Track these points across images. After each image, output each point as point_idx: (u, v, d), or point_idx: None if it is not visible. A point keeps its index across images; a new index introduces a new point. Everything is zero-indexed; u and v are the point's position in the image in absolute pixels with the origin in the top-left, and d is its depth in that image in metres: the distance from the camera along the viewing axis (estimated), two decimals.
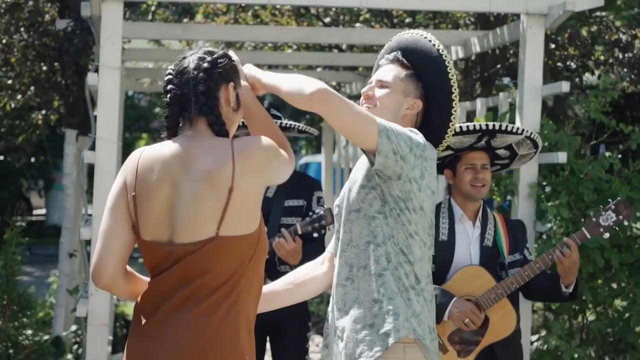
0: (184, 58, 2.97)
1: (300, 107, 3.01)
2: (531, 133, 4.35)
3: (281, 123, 4.67)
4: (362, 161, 3.21)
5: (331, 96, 2.96)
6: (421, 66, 3.28)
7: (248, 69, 3.17)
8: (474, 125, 4.19)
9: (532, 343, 6.46)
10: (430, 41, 3.27)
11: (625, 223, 4.42)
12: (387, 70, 3.32)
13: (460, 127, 4.18)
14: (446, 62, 3.23)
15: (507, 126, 4.24)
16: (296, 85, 3.00)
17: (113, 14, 4.94)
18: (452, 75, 3.24)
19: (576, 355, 5.21)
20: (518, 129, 4.29)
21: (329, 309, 3.26)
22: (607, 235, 4.40)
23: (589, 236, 4.36)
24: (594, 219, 4.38)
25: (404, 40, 3.34)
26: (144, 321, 2.86)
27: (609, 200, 4.57)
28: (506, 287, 4.25)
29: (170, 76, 2.95)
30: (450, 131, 3.30)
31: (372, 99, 3.30)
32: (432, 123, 3.29)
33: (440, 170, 4.51)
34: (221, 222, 2.82)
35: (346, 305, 3.14)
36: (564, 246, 4.24)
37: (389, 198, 3.09)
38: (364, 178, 3.16)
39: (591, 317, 5.65)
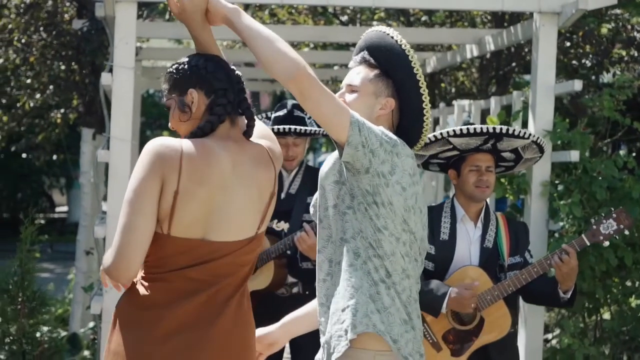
0: (220, 60, 3.00)
1: (275, 78, 2.94)
2: (537, 138, 4.36)
3: (306, 130, 4.69)
4: (332, 158, 3.19)
5: (314, 81, 2.92)
6: (387, 63, 3.21)
7: None
8: (481, 128, 4.20)
9: (548, 341, 6.47)
10: (392, 37, 3.21)
11: (626, 232, 4.44)
12: (355, 74, 3.26)
13: (467, 129, 4.19)
14: (409, 57, 3.17)
15: (514, 130, 4.24)
16: (281, 55, 2.89)
17: (127, 14, 4.99)
18: (418, 70, 3.18)
19: (589, 354, 5.21)
20: (525, 133, 4.29)
21: None
22: (606, 243, 4.42)
23: (588, 243, 4.38)
24: (594, 227, 4.40)
25: (369, 38, 3.28)
26: (159, 318, 2.83)
27: (611, 209, 4.58)
28: (503, 289, 4.26)
29: (218, 73, 2.95)
30: (427, 125, 3.25)
31: None
32: (407, 119, 3.25)
33: (444, 170, 4.53)
34: (261, 222, 2.99)
35: (328, 301, 3.16)
36: (562, 252, 4.24)
37: (358, 192, 3.07)
38: (337, 173, 3.14)
39: (605, 316, 5.65)
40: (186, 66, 2.97)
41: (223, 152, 2.88)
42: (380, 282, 3.07)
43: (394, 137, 3.12)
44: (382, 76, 3.22)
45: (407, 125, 3.25)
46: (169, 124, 3.02)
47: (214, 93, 2.95)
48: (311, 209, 3.42)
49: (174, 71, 2.98)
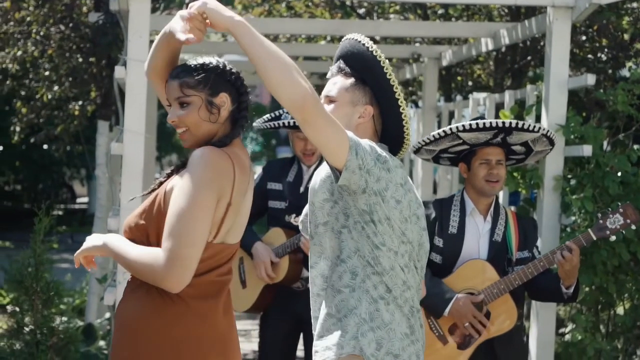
0: None
1: (279, 101, 2.88)
2: (547, 131, 4.36)
3: None
4: (321, 174, 3.17)
5: (320, 110, 2.89)
6: (361, 70, 3.20)
7: (212, 2, 2.85)
8: (491, 122, 4.21)
9: (564, 335, 6.46)
10: (364, 44, 3.18)
11: (633, 227, 4.43)
12: (332, 84, 3.25)
13: (477, 123, 4.20)
14: (381, 63, 3.16)
15: (523, 124, 4.24)
16: (291, 82, 2.83)
17: (140, 8, 5.01)
18: (390, 75, 3.17)
19: (601, 348, 5.21)
20: (535, 126, 4.29)
21: None
22: (613, 238, 4.42)
23: (594, 238, 4.38)
24: (600, 221, 4.40)
25: (343, 47, 3.26)
26: (206, 321, 2.90)
27: (618, 204, 4.57)
28: (509, 283, 4.28)
29: (245, 85, 3.02)
30: (407, 130, 3.24)
31: None
32: (389, 125, 3.23)
33: (455, 164, 4.54)
34: None
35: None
36: (565, 249, 4.24)
37: (354, 211, 3.06)
38: (326, 191, 3.13)
39: (619, 310, 5.63)
40: (223, 68, 2.97)
41: (247, 161, 2.97)
42: (379, 299, 3.07)
43: (383, 152, 3.11)
44: (359, 84, 3.21)
45: (391, 131, 3.24)
46: (174, 118, 2.96)
47: (239, 103, 2.99)
48: (300, 225, 3.43)
49: (208, 68, 2.95)
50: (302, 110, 2.85)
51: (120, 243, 2.92)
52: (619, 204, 4.55)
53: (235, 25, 2.82)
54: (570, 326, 6.70)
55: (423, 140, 4.39)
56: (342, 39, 3.31)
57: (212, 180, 2.81)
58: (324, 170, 3.17)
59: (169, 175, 2.99)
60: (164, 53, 3.02)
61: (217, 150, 2.86)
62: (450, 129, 4.25)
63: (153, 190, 3.01)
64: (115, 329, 2.96)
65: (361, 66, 3.20)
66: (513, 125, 4.21)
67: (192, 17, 2.84)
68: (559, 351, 5.54)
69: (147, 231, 2.89)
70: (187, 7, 2.91)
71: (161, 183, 2.99)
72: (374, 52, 3.17)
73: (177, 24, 2.88)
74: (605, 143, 6.29)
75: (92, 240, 3.00)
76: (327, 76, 3.32)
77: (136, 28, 5.01)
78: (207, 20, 2.87)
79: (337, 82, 3.24)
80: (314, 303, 3.20)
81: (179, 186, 2.83)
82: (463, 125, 4.21)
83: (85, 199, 22.91)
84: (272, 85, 2.83)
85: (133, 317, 2.90)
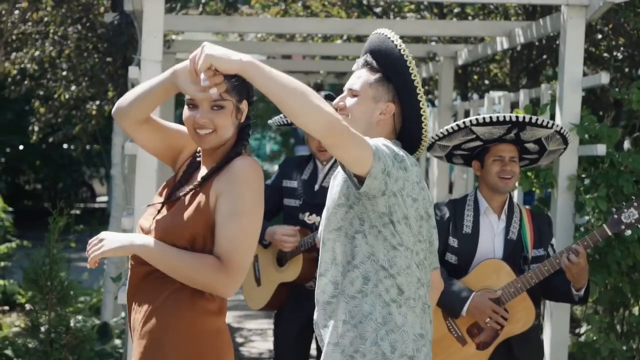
0: None
1: (306, 130, 2.89)
2: (561, 128, 4.33)
3: None
4: (338, 179, 3.17)
5: (346, 131, 2.86)
6: (386, 67, 3.18)
7: (215, 49, 2.80)
8: (504, 116, 4.19)
9: (580, 335, 6.44)
10: (392, 41, 3.17)
11: None
12: (357, 77, 3.23)
13: (490, 117, 4.18)
14: (407, 62, 3.15)
15: (537, 119, 4.22)
16: (315, 111, 2.79)
17: (154, 8, 5.03)
18: (415, 76, 3.16)
19: (615, 348, 5.18)
20: (548, 122, 4.26)
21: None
22: (628, 232, 4.38)
23: (609, 233, 4.34)
24: (615, 216, 4.36)
25: (372, 41, 3.25)
26: (222, 316, 3.04)
27: (632, 197, 4.54)
28: (526, 281, 4.25)
29: None
30: (425, 132, 3.23)
31: (344, 110, 3.21)
32: (408, 124, 3.22)
33: (468, 162, 4.52)
34: None
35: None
36: (572, 252, 4.21)
37: (372, 215, 3.05)
38: (342, 196, 3.12)
39: (633, 310, 5.60)
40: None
41: None
42: (391, 303, 3.07)
43: (399, 150, 3.11)
44: (383, 80, 3.20)
45: (409, 130, 3.23)
46: (205, 120, 2.95)
47: (247, 112, 3.06)
48: (320, 227, 3.45)
49: (240, 75, 2.97)
50: (329, 136, 2.85)
51: (162, 246, 2.92)
52: (634, 198, 4.52)
53: (246, 68, 2.78)
54: (585, 326, 6.68)
55: (436, 135, 4.36)
56: (372, 32, 3.29)
57: (262, 192, 2.94)
58: (340, 176, 3.17)
59: (201, 182, 2.99)
60: (156, 103, 3.04)
61: (255, 160, 2.96)
62: (464, 122, 4.23)
63: (179, 195, 3.02)
64: (152, 327, 2.93)
65: (388, 63, 3.19)
66: (526, 119, 4.19)
67: (211, 78, 2.82)
68: (573, 351, 5.52)
69: (193, 236, 2.92)
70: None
71: (192, 190, 2.99)
72: (402, 50, 3.16)
73: (186, 83, 2.88)
74: (625, 142, 6.26)
75: (116, 240, 2.96)
76: (353, 68, 3.30)
77: (150, 28, 5.02)
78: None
79: (362, 76, 3.23)
80: (323, 312, 3.18)
81: (233, 199, 2.89)
82: (477, 119, 4.20)
83: (105, 198, 23.01)
84: (295, 117, 2.81)
85: (182, 316, 2.92)
